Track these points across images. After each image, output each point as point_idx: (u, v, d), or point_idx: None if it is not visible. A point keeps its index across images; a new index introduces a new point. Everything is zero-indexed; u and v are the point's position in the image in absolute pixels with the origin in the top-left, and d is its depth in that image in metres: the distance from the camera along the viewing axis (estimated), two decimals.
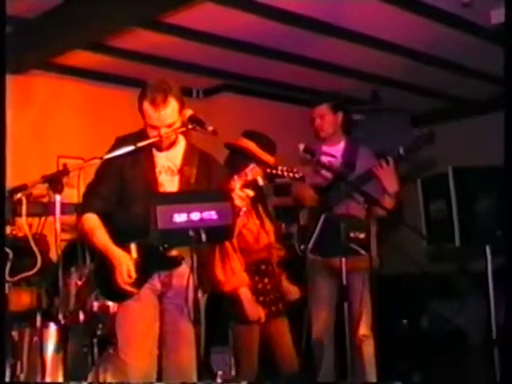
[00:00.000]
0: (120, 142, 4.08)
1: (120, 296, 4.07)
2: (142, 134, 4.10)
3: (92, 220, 4.08)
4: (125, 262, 3.94)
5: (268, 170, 4.30)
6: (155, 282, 4.09)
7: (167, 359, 4.18)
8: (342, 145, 5.53)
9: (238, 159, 4.81)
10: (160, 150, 4.16)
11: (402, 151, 5.11)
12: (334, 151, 5.47)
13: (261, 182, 4.14)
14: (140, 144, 3.93)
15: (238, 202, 3.86)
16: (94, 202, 4.08)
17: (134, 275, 3.95)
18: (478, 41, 6.73)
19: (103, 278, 4.12)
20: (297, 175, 4.41)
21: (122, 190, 4.10)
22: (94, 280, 4.33)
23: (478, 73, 7.81)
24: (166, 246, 3.90)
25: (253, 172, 3.97)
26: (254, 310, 4.82)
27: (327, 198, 5.24)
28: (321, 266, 5.22)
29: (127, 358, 4.08)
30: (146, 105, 3.99)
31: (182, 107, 4.06)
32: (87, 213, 4.08)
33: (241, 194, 3.88)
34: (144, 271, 4.02)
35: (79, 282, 5.30)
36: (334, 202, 5.21)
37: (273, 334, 4.99)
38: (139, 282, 4.01)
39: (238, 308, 4.82)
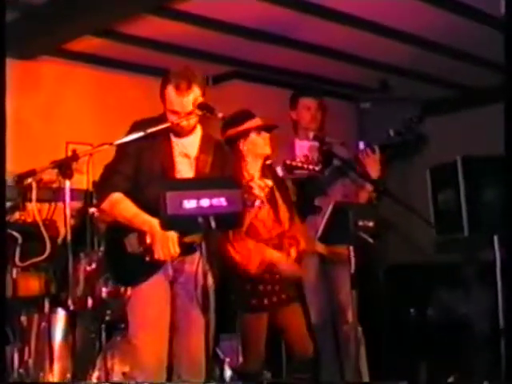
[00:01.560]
0: (137, 126, 4.09)
1: (132, 280, 4.08)
2: (159, 119, 4.12)
3: (118, 196, 4.06)
4: (169, 234, 3.93)
5: (288, 162, 4.31)
6: (168, 267, 4.08)
7: (178, 345, 4.18)
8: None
9: None
10: (179, 136, 4.18)
11: (392, 133, 5.17)
12: (309, 147, 5.49)
13: (280, 172, 4.16)
14: (151, 130, 3.95)
15: (256, 191, 3.89)
16: (117, 182, 4.07)
17: (177, 249, 3.97)
18: (489, 30, 6.69)
19: (115, 261, 4.14)
20: (316, 168, 4.43)
21: (138, 173, 4.10)
22: (106, 263, 4.32)
23: (488, 62, 7.78)
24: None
25: None
26: (294, 268, 4.87)
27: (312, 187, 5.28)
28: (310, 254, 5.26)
29: (139, 341, 4.08)
30: (170, 89, 4.02)
31: (202, 96, 4.12)
32: (112, 192, 4.06)
33: (260, 184, 3.91)
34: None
35: (88, 268, 5.31)
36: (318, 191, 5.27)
37: (286, 321, 4.94)
38: (155, 263, 4.01)
39: (244, 295, 4.83)
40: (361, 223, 4.45)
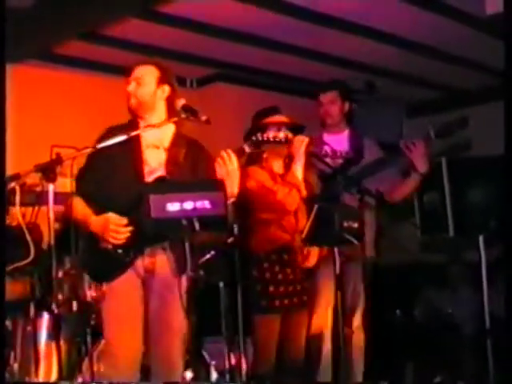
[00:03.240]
0: (110, 131, 4.18)
1: (106, 276, 4.07)
2: (131, 124, 4.21)
3: (77, 200, 4.09)
4: (108, 216, 3.98)
5: (253, 138, 4.29)
6: (139, 266, 4.07)
7: (152, 348, 4.17)
8: (346, 134, 5.52)
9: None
10: (141, 118, 4.22)
11: (432, 134, 5.07)
12: (338, 140, 5.45)
13: (247, 148, 4.15)
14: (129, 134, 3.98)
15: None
16: (83, 186, 4.11)
17: (122, 220, 3.97)
18: (473, 31, 6.71)
19: (90, 257, 4.14)
20: (283, 139, 4.41)
21: (108, 168, 4.12)
22: (81, 261, 4.31)
23: (472, 63, 7.80)
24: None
25: None
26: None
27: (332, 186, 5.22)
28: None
29: (112, 338, 4.09)
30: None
31: (161, 78, 4.24)
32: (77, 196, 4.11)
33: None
34: (133, 247, 4.02)
35: (73, 272, 5.30)
36: (336, 191, 5.21)
37: (290, 328, 4.88)
38: (127, 253, 4.02)
39: (256, 296, 4.81)
40: (346, 224, 4.44)
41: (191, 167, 4.19)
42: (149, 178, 4.10)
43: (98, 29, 6.50)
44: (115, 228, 3.96)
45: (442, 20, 6.53)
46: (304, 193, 4.85)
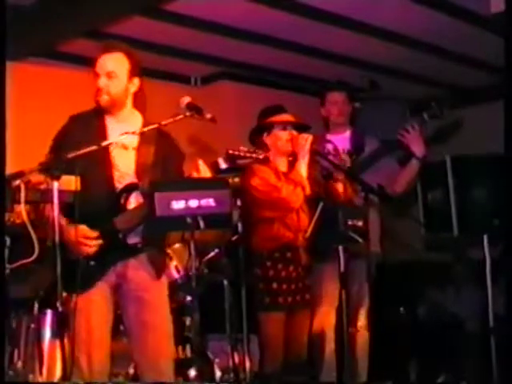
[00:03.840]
0: (73, 120, 4.08)
1: (78, 287, 3.84)
2: (95, 111, 4.07)
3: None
4: (78, 228, 3.85)
5: (230, 152, 4.25)
6: (110, 273, 3.98)
7: (136, 353, 4.11)
8: (347, 134, 5.54)
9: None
10: (109, 113, 4.06)
11: (426, 116, 5.13)
12: (340, 139, 5.47)
13: (222, 164, 4.14)
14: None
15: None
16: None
17: (92, 233, 3.86)
18: (478, 29, 6.70)
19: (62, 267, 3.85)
20: (260, 156, 4.38)
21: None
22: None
23: (476, 61, 7.79)
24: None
25: None
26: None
27: None
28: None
29: (79, 352, 3.92)
30: (98, 56, 4.04)
31: (132, 70, 4.04)
32: None
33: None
34: (104, 258, 3.93)
35: None
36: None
37: (292, 326, 4.88)
38: (99, 268, 3.93)
39: (260, 293, 4.79)
40: (350, 223, 4.44)
41: (162, 166, 4.07)
42: (119, 185, 3.98)
43: (102, 26, 6.49)
44: (84, 241, 3.87)
45: (447, 18, 6.52)
46: (308, 191, 4.85)
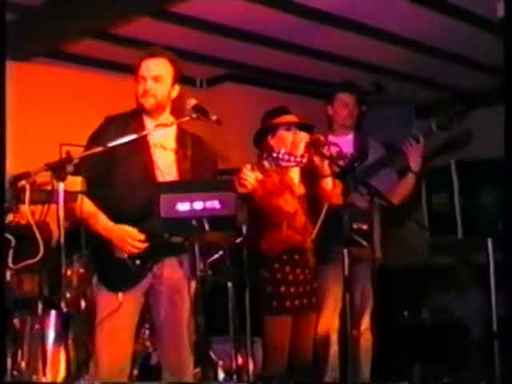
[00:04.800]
0: (111, 122, 4.10)
1: (123, 285, 3.96)
2: (133, 113, 4.12)
3: (90, 204, 4.01)
4: (126, 230, 3.91)
5: (274, 155, 4.24)
6: (150, 273, 4.03)
7: (166, 354, 4.16)
8: (350, 137, 5.54)
9: None
10: (150, 116, 4.10)
11: (434, 127, 5.10)
12: (344, 142, 5.45)
13: (267, 165, 4.12)
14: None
15: (247, 183, 3.93)
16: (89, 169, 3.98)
17: (140, 236, 3.91)
18: (484, 33, 6.70)
19: (105, 265, 4.06)
20: (304, 160, 4.36)
21: (113, 170, 4.00)
22: (96, 268, 4.25)
23: (481, 65, 7.79)
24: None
25: None
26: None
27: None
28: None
29: (99, 348, 4.00)
30: (143, 60, 4.08)
31: (175, 77, 4.11)
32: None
33: (250, 175, 3.91)
34: (148, 257, 3.98)
35: (81, 270, 5.30)
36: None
37: (298, 330, 4.81)
38: (143, 266, 3.98)
39: (267, 297, 4.78)
40: (355, 226, 4.44)
41: (197, 167, 4.12)
42: None
43: (109, 28, 6.51)
44: (133, 242, 3.92)
45: (452, 21, 6.52)
46: (298, 193, 4.83)
